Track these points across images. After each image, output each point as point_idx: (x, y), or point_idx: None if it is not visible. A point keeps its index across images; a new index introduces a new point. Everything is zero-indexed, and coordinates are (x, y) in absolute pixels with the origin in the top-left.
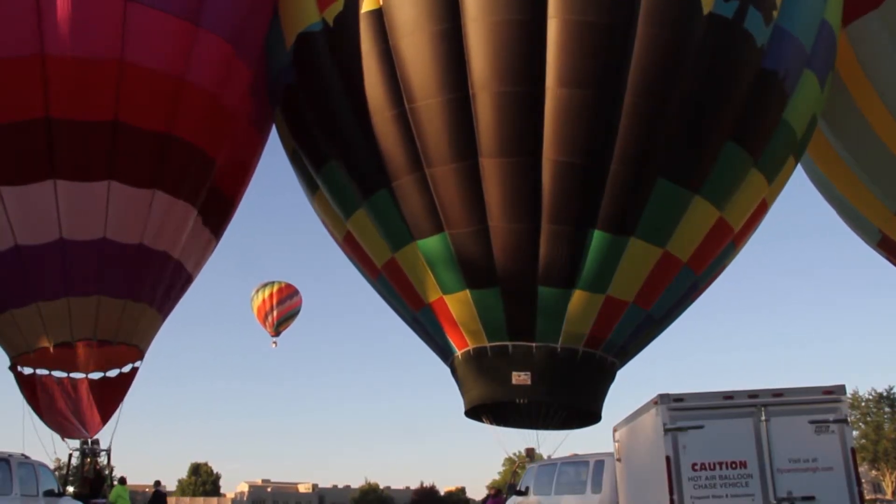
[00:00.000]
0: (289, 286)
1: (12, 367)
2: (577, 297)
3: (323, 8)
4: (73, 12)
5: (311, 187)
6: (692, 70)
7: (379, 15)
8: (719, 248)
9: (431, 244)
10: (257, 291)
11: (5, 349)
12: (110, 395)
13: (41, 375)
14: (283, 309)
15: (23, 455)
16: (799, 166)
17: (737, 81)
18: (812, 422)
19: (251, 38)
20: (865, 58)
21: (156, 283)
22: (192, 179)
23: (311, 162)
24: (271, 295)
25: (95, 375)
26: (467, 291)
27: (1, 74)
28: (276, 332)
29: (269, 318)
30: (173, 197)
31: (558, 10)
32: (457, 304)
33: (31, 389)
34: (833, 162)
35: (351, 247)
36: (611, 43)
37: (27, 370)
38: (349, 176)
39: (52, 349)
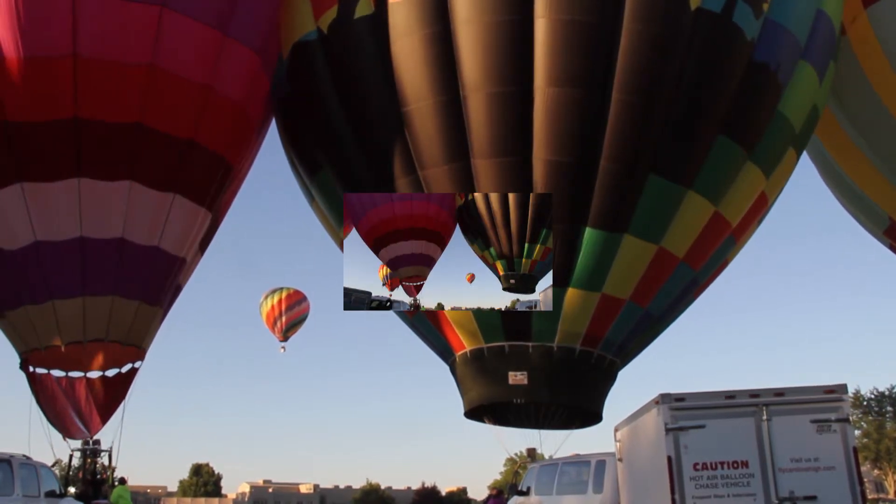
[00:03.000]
0: (297, 292)
1: (23, 365)
2: (571, 295)
3: (318, 16)
4: (108, 16)
5: (309, 195)
6: (681, 66)
7: (371, 20)
8: (717, 243)
9: None
10: (266, 298)
11: (15, 345)
12: (110, 395)
13: (41, 373)
14: (292, 315)
15: (24, 456)
16: (805, 160)
17: (727, 75)
18: (814, 421)
19: (275, 48)
20: (886, 40)
21: (167, 285)
22: (211, 185)
23: (305, 171)
24: (280, 301)
25: (94, 374)
26: None
27: (35, 73)
28: (285, 338)
29: (278, 324)
30: (192, 202)
31: (546, 9)
32: None
33: (35, 387)
34: (845, 147)
35: None
36: (599, 41)
37: (31, 368)
38: (342, 182)
39: (63, 348)
